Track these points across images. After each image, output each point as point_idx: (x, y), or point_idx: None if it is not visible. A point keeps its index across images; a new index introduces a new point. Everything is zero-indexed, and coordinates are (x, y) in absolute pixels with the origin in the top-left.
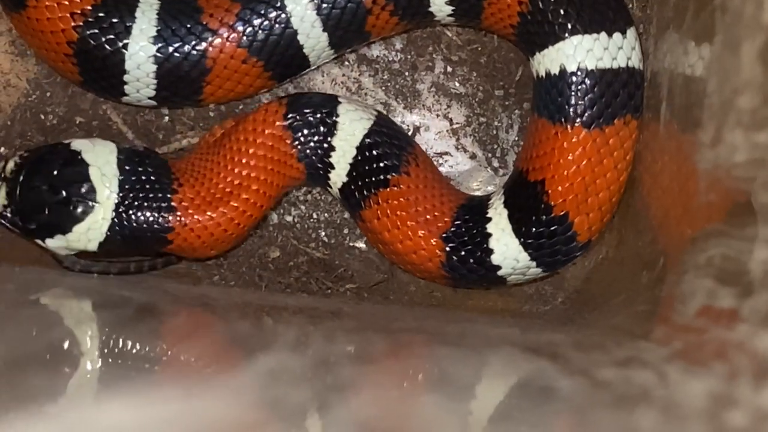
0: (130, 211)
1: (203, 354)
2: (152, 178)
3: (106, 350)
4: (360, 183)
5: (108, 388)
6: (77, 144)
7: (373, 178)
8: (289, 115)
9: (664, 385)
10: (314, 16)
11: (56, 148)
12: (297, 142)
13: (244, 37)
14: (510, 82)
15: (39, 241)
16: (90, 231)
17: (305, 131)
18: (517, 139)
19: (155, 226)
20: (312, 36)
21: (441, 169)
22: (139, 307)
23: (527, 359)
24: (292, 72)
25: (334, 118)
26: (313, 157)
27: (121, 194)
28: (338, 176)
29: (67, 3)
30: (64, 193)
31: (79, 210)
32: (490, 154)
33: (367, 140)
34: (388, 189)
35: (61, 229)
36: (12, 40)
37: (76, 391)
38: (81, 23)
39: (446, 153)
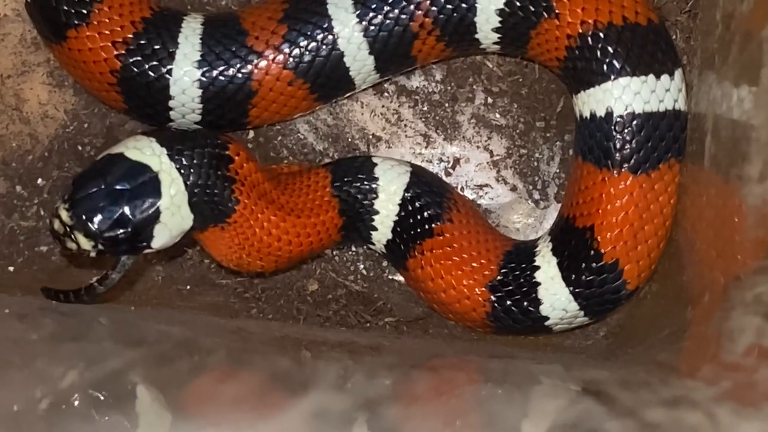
0: (193, 170)
1: (244, 395)
2: (209, 140)
3: (145, 391)
4: (405, 236)
5: None
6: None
7: (418, 230)
8: (335, 194)
9: (714, 427)
10: (361, 38)
11: (82, 172)
12: (344, 220)
13: (291, 59)
14: (551, 114)
15: (150, 249)
16: (176, 196)
17: (350, 205)
18: (558, 171)
19: (219, 189)
20: (359, 58)
21: (481, 201)
22: (177, 342)
23: (573, 399)
24: (336, 94)
25: (374, 183)
26: (358, 226)
27: (169, 152)
28: (383, 235)
29: (108, 32)
30: (123, 186)
31: (148, 188)
32: (531, 186)
33: (407, 194)
34: (432, 238)
35: (152, 216)
36: (50, 71)
37: None
38: (123, 51)
39: (486, 185)
